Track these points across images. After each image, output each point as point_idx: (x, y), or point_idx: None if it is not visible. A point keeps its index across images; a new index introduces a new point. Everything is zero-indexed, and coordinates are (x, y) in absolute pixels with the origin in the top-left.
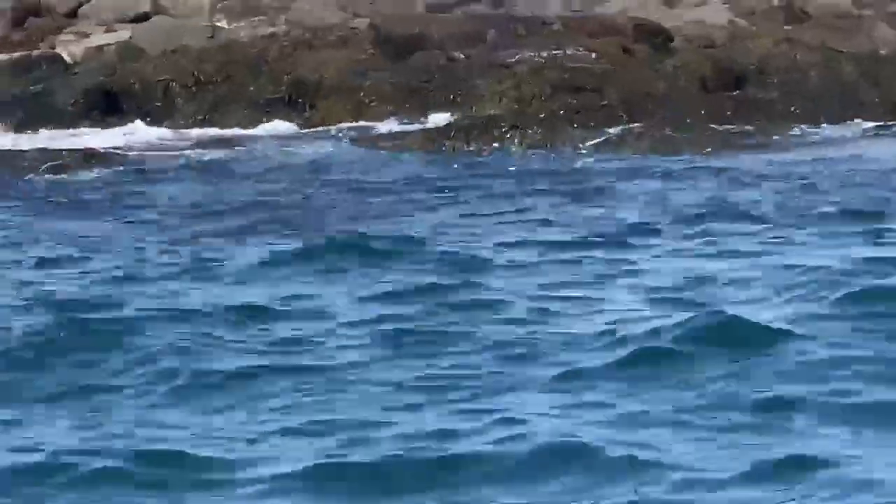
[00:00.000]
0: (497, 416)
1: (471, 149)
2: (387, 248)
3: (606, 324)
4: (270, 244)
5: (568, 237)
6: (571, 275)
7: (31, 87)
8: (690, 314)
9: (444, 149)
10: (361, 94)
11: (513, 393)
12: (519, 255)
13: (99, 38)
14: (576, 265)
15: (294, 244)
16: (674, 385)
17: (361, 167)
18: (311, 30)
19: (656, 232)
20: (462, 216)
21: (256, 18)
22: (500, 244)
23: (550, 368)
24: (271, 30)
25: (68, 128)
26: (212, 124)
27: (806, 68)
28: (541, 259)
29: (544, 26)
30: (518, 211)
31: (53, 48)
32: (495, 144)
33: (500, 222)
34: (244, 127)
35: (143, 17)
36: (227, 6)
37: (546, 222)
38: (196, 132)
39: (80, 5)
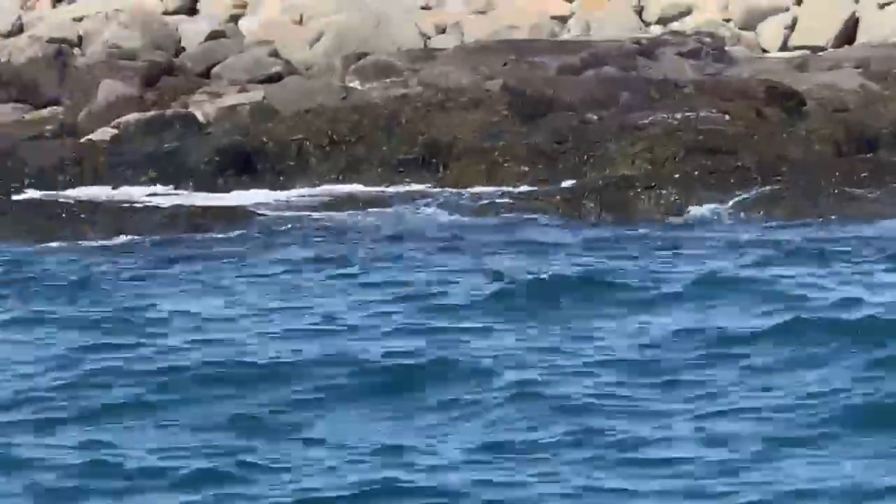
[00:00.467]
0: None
1: (604, 209)
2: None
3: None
4: (420, 300)
5: (719, 299)
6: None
7: (165, 146)
8: None
9: (578, 210)
10: (495, 154)
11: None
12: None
13: (232, 98)
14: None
15: (441, 302)
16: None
17: (497, 227)
18: (444, 91)
19: (817, 288)
20: (607, 282)
21: (389, 80)
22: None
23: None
24: (404, 91)
25: (202, 185)
26: (345, 184)
27: None
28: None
29: (677, 89)
30: (663, 273)
31: (186, 108)
32: (629, 206)
33: (647, 286)
34: (377, 186)
35: (275, 78)
36: (359, 67)
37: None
38: (329, 191)
39: (213, 65)
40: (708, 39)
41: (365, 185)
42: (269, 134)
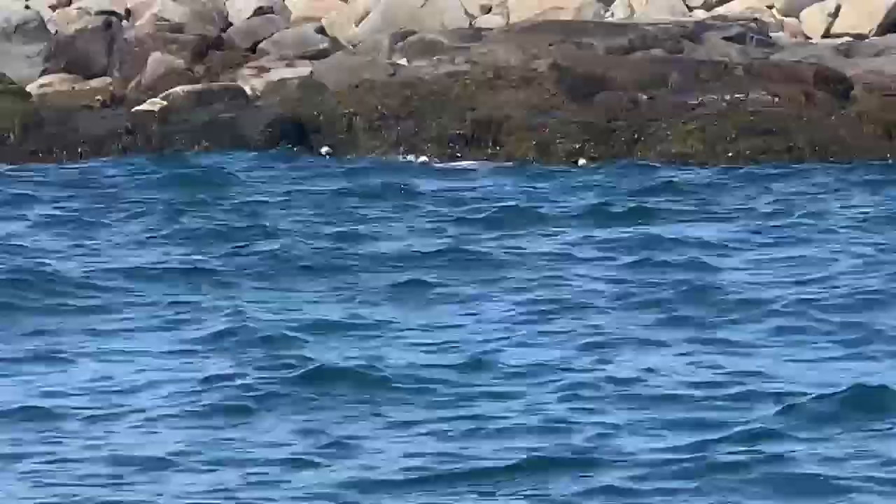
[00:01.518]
0: None
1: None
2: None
3: None
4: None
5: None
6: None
7: (220, 116)
8: None
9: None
10: (546, 131)
11: None
12: None
13: (279, 73)
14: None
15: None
16: None
17: (551, 199)
18: (493, 69)
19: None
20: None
21: (436, 58)
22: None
23: None
24: (453, 68)
25: (258, 156)
26: (395, 158)
27: None
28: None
29: (726, 71)
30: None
31: (234, 81)
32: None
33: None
34: (428, 160)
35: (322, 54)
36: (406, 45)
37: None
38: (381, 163)
39: (260, 41)
40: (752, 24)
41: (415, 158)
42: (318, 107)
